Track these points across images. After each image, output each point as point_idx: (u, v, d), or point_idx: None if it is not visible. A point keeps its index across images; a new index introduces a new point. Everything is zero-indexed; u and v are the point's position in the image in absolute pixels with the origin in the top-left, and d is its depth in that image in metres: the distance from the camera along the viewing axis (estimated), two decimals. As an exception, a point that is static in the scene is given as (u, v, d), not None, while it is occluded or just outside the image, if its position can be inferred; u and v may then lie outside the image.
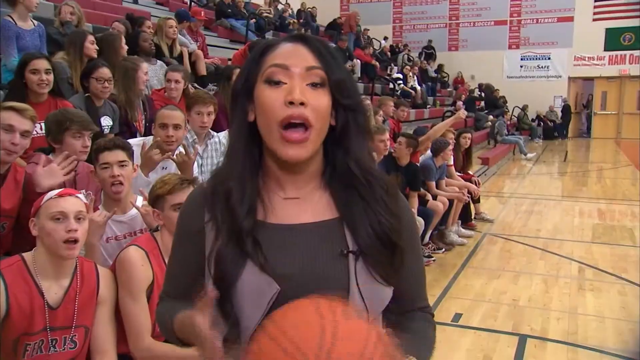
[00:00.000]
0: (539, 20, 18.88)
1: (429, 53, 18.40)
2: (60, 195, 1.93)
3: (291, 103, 0.96)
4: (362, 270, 1.00)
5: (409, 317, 1.12)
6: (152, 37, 5.39)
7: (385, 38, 17.93)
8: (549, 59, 18.94)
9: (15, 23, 4.37)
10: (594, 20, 18.05)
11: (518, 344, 3.61)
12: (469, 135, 6.80)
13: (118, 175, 2.44)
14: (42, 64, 3.28)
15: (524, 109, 18.02)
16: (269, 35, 11.56)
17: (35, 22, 4.55)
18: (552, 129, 18.38)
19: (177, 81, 4.35)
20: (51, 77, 3.30)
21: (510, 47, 19.32)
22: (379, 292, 1.02)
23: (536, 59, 19.10)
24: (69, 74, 4.00)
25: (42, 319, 1.86)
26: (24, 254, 1.93)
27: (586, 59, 18.43)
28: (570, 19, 18.38)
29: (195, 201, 1.08)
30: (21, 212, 2.38)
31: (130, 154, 2.58)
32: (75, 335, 1.94)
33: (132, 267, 2.10)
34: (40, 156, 2.68)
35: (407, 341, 0.97)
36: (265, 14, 12.16)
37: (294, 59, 0.99)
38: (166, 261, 2.19)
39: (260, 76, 1.00)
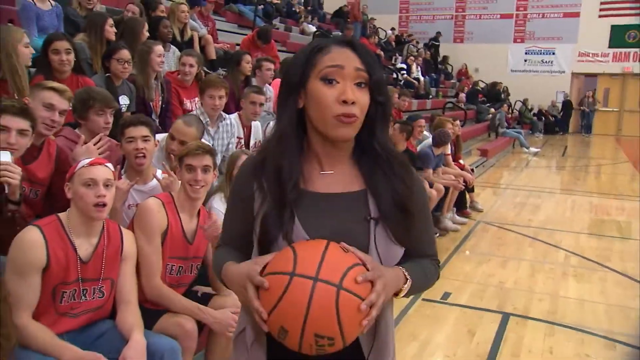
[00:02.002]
0: (545, 15, 19.00)
1: (435, 45, 18.54)
2: (91, 164, 2.18)
3: (344, 102, 1.18)
4: (381, 233, 1.24)
5: (416, 258, 1.36)
6: (166, 20, 5.60)
7: (393, 29, 18.07)
8: (554, 54, 19.09)
9: (35, 4, 4.60)
10: (600, 16, 18.17)
11: (501, 320, 3.89)
12: (457, 122, 7.03)
13: (142, 149, 2.71)
14: (63, 44, 3.51)
15: (525, 102, 18.20)
16: (276, 21, 11.75)
17: (53, 3, 4.77)
18: (553, 124, 18.59)
19: (191, 65, 4.59)
20: (72, 56, 3.53)
21: (515, 41, 19.47)
22: (393, 251, 1.25)
23: (540, 53, 19.26)
24: (89, 55, 4.23)
25: (75, 271, 2.12)
26: (59, 214, 2.18)
27: (590, 55, 18.58)
28: (576, 14, 18.50)
29: (247, 170, 1.31)
30: (52, 181, 2.64)
31: (153, 130, 2.84)
32: (102, 286, 2.20)
33: (149, 212, 2.42)
34: (69, 130, 2.93)
35: (406, 265, 1.26)
36: (273, 0, 12.34)
37: (345, 61, 1.21)
38: (180, 215, 2.54)
39: (314, 73, 1.21)
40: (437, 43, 18.59)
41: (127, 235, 2.33)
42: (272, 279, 1.13)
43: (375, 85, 1.22)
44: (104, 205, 2.14)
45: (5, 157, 2.16)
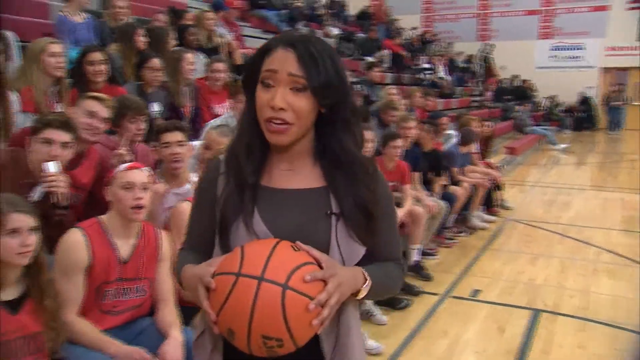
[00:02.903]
0: (572, 9, 18.71)
1: (488, 58, 18.13)
2: (129, 168, 2.29)
3: (272, 108, 1.17)
4: (342, 229, 1.23)
5: (380, 262, 1.34)
6: (193, 28, 5.74)
7: (415, 28, 18.03)
8: (581, 49, 18.77)
9: (69, 17, 4.77)
10: (628, 9, 17.82)
11: (531, 317, 3.89)
12: (488, 123, 7.01)
13: (177, 153, 2.82)
14: (97, 56, 3.66)
15: (552, 99, 17.94)
16: (300, 25, 11.85)
17: (86, 15, 4.94)
18: (582, 120, 18.27)
19: (220, 71, 4.72)
20: (106, 67, 3.67)
21: (541, 37, 19.23)
22: (354, 248, 1.24)
23: (568, 49, 18.96)
24: (121, 65, 4.38)
25: (115, 271, 2.23)
26: (99, 217, 2.30)
27: (619, 49, 18.22)
28: (604, 8, 18.17)
29: (211, 169, 1.33)
30: (93, 185, 2.77)
31: (187, 135, 2.95)
32: (142, 285, 2.31)
33: (184, 216, 2.45)
34: (105, 137, 3.06)
35: (368, 267, 1.25)
36: (296, 5, 12.45)
37: (281, 65, 1.17)
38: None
39: (259, 75, 1.21)
40: (490, 56, 18.19)
41: (164, 236, 2.43)
42: (220, 279, 1.11)
43: (315, 91, 1.18)
44: (142, 207, 2.24)
45: (54, 167, 2.29)
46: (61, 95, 3.39)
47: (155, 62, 4.00)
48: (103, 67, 3.66)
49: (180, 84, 4.32)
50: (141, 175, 2.29)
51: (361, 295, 1.21)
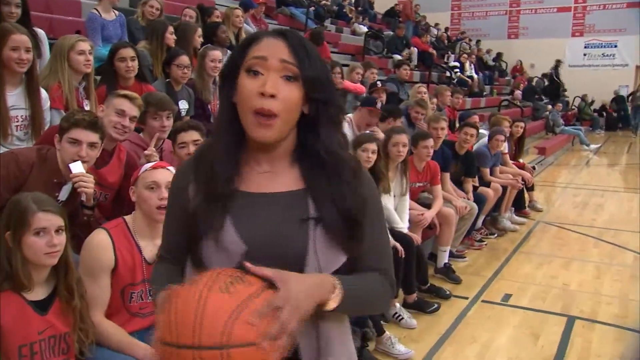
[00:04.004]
0: (606, 6, 18.26)
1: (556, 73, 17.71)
2: (153, 168, 2.25)
3: (262, 95, 1.07)
4: (321, 235, 1.12)
5: (362, 272, 1.20)
6: (222, 25, 5.71)
7: (436, 25, 17.80)
8: (616, 46, 18.32)
9: (100, 14, 4.78)
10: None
11: (566, 324, 3.76)
12: (521, 124, 6.85)
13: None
14: (128, 52, 3.64)
15: (584, 98, 17.54)
16: (327, 23, 11.78)
17: (117, 13, 4.95)
18: (615, 120, 17.81)
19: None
20: (136, 63, 3.66)
21: (573, 35, 18.81)
22: (334, 256, 1.13)
23: (601, 46, 18.53)
24: (150, 62, 4.37)
25: (141, 272, 2.18)
26: (125, 217, 2.26)
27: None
28: (639, 4, 17.69)
29: (183, 170, 1.23)
30: (121, 185, 2.74)
31: (204, 134, 2.91)
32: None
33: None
34: (134, 135, 3.03)
35: (344, 276, 1.12)
36: (323, 2, 12.40)
37: (272, 51, 1.10)
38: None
39: (243, 65, 1.12)
40: (557, 70, 17.76)
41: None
42: (162, 351, 0.98)
43: (308, 81, 1.11)
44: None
45: (79, 167, 2.26)
46: (89, 92, 3.38)
47: (184, 58, 3.97)
48: (134, 64, 3.64)
49: (206, 81, 4.29)
50: (166, 174, 2.24)
51: (330, 306, 1.07)
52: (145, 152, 2.85)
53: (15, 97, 2.94)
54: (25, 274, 1.78)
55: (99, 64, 3.84)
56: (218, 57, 4.33)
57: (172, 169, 2.31)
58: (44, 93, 3.09)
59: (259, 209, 1.14)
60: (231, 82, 1.14)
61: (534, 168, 6.90)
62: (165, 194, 2.19)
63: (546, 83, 17.10)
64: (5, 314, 1.74)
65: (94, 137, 2.32)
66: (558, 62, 17.61)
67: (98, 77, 3.79)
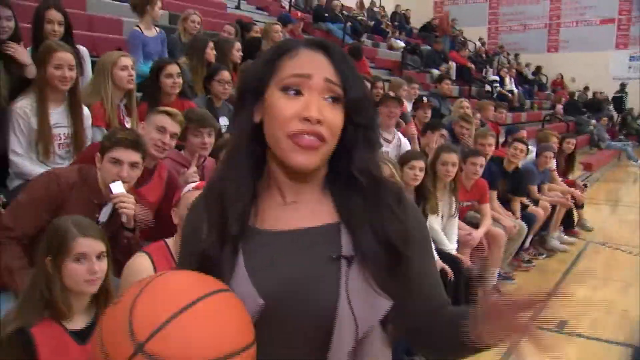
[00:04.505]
0: (651, 17, 17.69)
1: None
2: (196, 188, 2.13)
3: (306, 120, 0.91)
4: (356, 277, 0.92)
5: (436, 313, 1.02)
6: (262, 40, 5.67)
7: (481, 39, 17.55)
8: (662, 58, 17.69)
9: (142, 32, 4.77)
10: None
11: (633, 356, 3.49)
12: (572, 140, 6.58)
13: None
14: (174, 68, 3.59)
15: (631, 112, 16.95)
16: (364, 38, 11.71)
17: (158, 30, 4.94)
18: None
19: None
20: (181, 80, 3.60)
21: (617, 47, 18.27)
22: (373, 301, 0.92)
23: (647, 59, 17.91)
24: (190, 78, 4.32)
25: None
26: (167, 240, 2.15)
27: None
28: (687, 15, 17.09)
29: (198, 200, 1.07)
30: (162, 204, 2.65)
31: None
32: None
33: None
34: (175, 152, 2.96)
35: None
36: (360, 17, 12.35)
37: (315, 69, 0.94)
38: None
39: (276, 81, 0.95)
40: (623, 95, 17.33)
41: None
42: None
43: (352, 103, 0.95)
44: None
45: (120, 187, 2.17)
46: (130, 110, 3.32)
47: (225, 74, 3.90)
48: (179, 80, 3.59)
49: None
50: None
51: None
52: (187, 171, 2.75)
53: (58, 115, 2.90)
54: (65, 302, 1.68)
55: (139, 80, 3.80)
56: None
57: None
58: (86, 111, 3.04)
59: (280, 250, 0.95)
60: (254, 99, 0.97)
61: (585, 185, 6.59)
62: None
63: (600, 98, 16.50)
64: (44, 343, 1.64)
65: (135, 156, 2.23)
66: (623, 86, 17.05)
67: (139, 94, 3.74)
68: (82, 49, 3.75)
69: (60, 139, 2.90)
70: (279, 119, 0.92)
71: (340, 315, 0.89)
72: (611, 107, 16.74)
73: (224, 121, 4.03)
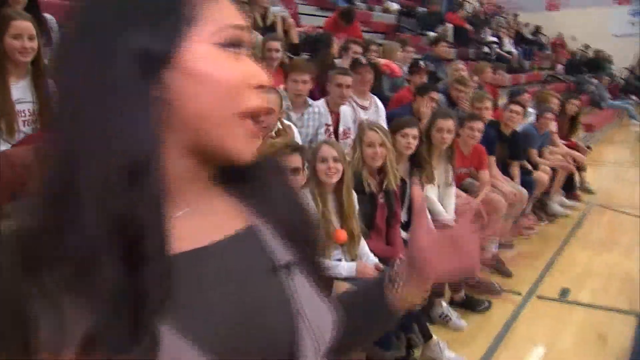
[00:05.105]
0: (652, -30, 17.18)
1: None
2: None
3: (261, 87, 0.66)
4: (301, 285, 0.69)
5: None
6: (246, 5, 5.40)
7: (480, 3, 17.09)
8: (664, 13, 17.24)
9: None
10: None
11: (637, 322, 3.36)
12: (576, 101, 6.35)
13: None
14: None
15: (633, 70, 16.60)
16: (358, 2, 11.33)
17: None
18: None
19: (276, 50, 4.35)
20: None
21: (619, 3, 17.80)
22: (325, 310, 0.72)
23: (648, 14, 17.46)
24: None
25: None
26: None
27: None
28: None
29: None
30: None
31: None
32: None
33: None
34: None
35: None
36: (353, -20, 11.94)
37: (243, 18, 0.66)
38: None
39: (202, 33, 0.61)
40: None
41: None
42: None
43: None
44: None
45: None
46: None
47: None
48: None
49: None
50: None
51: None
52: None
53: (20, 90, 2.69)
54: None
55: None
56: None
57: None
58: (52, 85, 2.83)
59: (205, 278, 0.63)
60: (155, 65, 0.59)
61: (588, 148, 6.40)
62: None
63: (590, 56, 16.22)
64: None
65: None
66: None
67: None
68: (50, 18, 3.51)
69: (24, 116, 2.70)
70: (220, 89, 0.61)
71: (301, 340, 0.67)
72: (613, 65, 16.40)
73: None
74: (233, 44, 0.63)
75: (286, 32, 6.20)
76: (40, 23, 2.88)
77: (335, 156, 2.69)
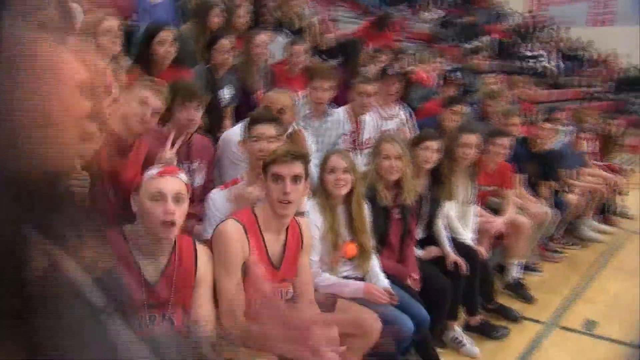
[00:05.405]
0: None
1: None
2: (160, 174, 1.85)
3: None
4: (119, 327, 0.62)
5: None
6: (277, 9, 5.32)
7: (525, 15, 16.69)
8: None
9: (147, -2, 4.49)
10: None
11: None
12: (615, 122, 6.05)
13: (266, 151, 2.36)
14: (167, 35, 3.31)
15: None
16: (401, 8, 11.16)
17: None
18: None
19: (299, 54, 4.25)
20: (173, 48, 3.32)
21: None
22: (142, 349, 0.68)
23: None
24: (192, 46, 4.03)
25: (139, 296, 1.81)
26: (123, 227, 1.88)
27: None
28: None
29: None
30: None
31: (282, 131, 2.59)
32: (173, 314, 1.88)
33: (228, 242, 2.05)
34: (157, 129, 2.68)
35: None
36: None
37: None
38: (265, 236, 2.13)
39: None
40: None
41: (202, 254, 1.98)
42: None
43: None
44: (173, 223, 1.80)
45: None
46: (117, 77, 3.06)
47: (224, 43, 3.59)
48: (172, 49, 3.31)
49: (251, 67, 3.90)
50: (175, 183, 1.85)
51: None
52: (163, 152, 2.47)
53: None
54: None
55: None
56: (264, 41, 3.94)
57: (184, 177, 1.92)
58: None
59: None
60: None
61: (629, 170, 6.07)
62: (172, 207, 1.80)
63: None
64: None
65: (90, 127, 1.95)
66: None
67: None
68: (75, 6, 3.48)
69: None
70: None
71: None
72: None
73: (225, 92, 3.74)
74: None
75: (317, 37, 6.10)
76: (66, 11, 2.83)
77: (344, 167, 2.57)
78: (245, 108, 3.77)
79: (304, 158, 2.18)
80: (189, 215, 2.64)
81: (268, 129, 2.48)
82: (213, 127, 3.39)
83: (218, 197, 2.45)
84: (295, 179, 2.12)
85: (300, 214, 2.49)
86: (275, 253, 2.18)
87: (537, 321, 3.69)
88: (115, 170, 2.40)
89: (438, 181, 3.31)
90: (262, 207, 2.20)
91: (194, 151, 2.79)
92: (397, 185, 2.95)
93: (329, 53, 5.97)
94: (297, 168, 2.12)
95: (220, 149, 2.98)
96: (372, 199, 2.85)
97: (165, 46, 3.29)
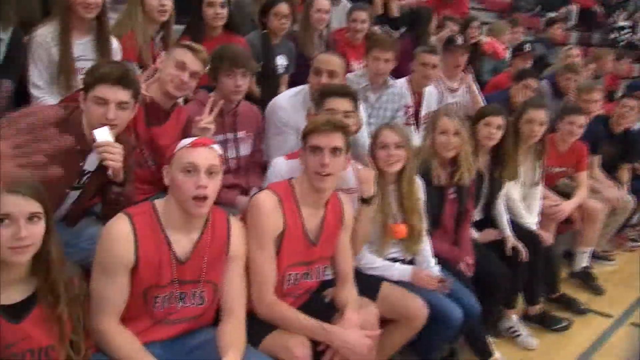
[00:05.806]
0: None
1: None
2: (193, 145, 1.75)
3: None
4: None
5: None
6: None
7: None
8: None
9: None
10: None
11: None
12: None
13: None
14: None
15: None
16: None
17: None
18: None
19: (362, 21, 4.06)
20: (225, 11, 3.23)
21: None
22: None
23: None
24: (250, 10, 3.93)
25: (169, 272, 1.74)
26: (155, 202, 1.80)
27: None
28: None
29: None
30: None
31: (357, 105, 2.51)
32: (204, 291, 1.81)
33: (261, 213, 1.95)
34: (204, 94, 2.61)
35: None
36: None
37: None
38: (302, 210, 2.03)
39: None
40: None
41: (235, 228, 1.89)
42: None
43: None
44: (205, 198, 1.71)
45: (105, 134, 1.83)
46: (167, 43, 3.01)
47: (282, 7, 3.46)
48: (223, 11, 3.22)
49: (311, 34, 3.76)
50: (209, 155, 1.75)
51: None
52: (200, 118, 2.39)
53: (82, 47, 2.63)
54: None
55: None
56: (325, 6, 3.77)
57: (217, 148, 1.83)
58: (115, 43, 2.75)
59: None
60: None
61: None
62: (205, 180, 1.71)
63: None
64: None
65: (123, 94, 1.88)
66: None
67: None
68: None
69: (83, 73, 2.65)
70: None
71: None
72: None
73: (281, 60, 3.63)
74: None
75: (386, 4, 5.85)
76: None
77: (397, 142, 2.41)
78: (304, 76, 3.65)
79: (344, 129, 2.04)
80: (232, 186, 2.62)
81: (342, 103, 2.38)
82: (268, 96, 3.30)
83: (283, 165, 2.37)
84: (335, 150, 1.99)
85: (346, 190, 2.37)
86: (312, 228, 2.07)
87: (605, 315, 3.43)
88: (152, 138, 2.38)
89: (501, 160, 3.08)
90: (300, 179, 2.09)
91: (241, 120, 2.70)
92: (454, 162, 2.75)
93: (394, 22, 5.72)
94: (337, 139, 1.99)
95: (267, 115, 2.88)
96: (426, 176, 2.68)
97: (215, 8, 3.21)
